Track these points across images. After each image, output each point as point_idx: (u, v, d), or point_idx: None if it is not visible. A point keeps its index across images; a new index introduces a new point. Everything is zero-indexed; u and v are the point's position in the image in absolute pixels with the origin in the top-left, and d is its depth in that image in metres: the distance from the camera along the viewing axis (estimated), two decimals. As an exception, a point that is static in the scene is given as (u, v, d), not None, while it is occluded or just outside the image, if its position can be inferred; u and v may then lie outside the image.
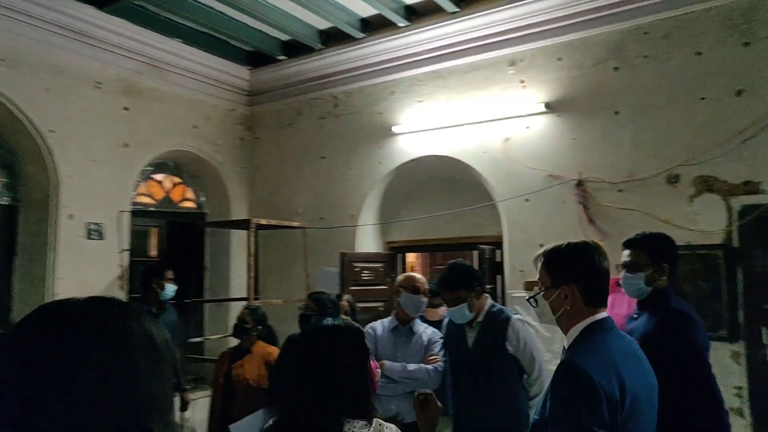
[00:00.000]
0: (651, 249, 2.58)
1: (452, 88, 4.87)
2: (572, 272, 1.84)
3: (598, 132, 4.20)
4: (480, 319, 3.00)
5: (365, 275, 5.19)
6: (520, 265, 4.40)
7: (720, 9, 3.82)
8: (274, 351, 3.69)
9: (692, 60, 3.89)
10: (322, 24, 5.20)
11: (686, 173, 3.85)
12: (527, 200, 4.43)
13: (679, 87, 3.92)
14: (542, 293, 1.91)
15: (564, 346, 1.93)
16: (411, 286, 3.15)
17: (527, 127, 4.49)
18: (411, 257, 5.94)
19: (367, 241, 5.40)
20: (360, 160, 5.36)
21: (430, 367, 3.03)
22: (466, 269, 3.10)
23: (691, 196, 3.83)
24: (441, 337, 3.21)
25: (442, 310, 3.98)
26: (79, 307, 0.77)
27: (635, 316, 2.62)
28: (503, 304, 4.42)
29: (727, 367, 3.63)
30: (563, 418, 1.64)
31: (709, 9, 3.85)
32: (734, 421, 3.52)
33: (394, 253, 5.50)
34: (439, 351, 3.15)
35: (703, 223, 3.76)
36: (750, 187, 3.65)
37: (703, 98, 3.84)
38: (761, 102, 3.64)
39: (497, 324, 2.99)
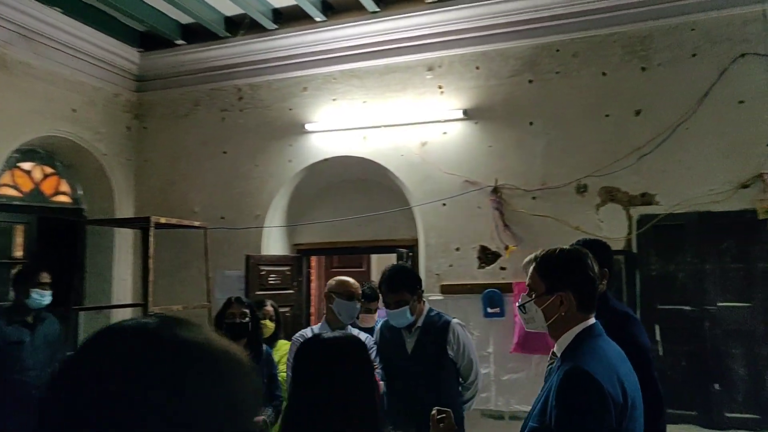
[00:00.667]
0: (593, 255, 2.70)
1: (369, 89, 4.80)
2: (568, 279, 1.86)
3: (514, 141, 4.38)
4: (419, 324, 2.96)
5: (272, 279, 4.93)
6: (436, 268, 4.45)
7: (621, 35, 4.17)
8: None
9: (598, 79, 4.21)
10: (231, 9, 4.86)
11: (593, 184, 4.15)
12: (444, 204, 4.49)
13: (587, 103, 4.22)
14: (534, 300, 1.91)
15: (553, 352, 1.94)
16: (345, 292, 2.99)
17: (444, 133, 4.56)
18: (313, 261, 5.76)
19: (273, 243, 5.14)
20: (267, 157, 5.08)
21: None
22: (409, 271, 3.06)
23: (597, 206, 4.14)
24: (375, 343, 3.13)
25: (375, 317, 3.90)
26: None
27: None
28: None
29: (626, 362, 3.96)
30: (574, 425, 1.64)
31: (612, 34, 4.19)
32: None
33: (301, 256, 5.29)
34: (375, 357, 3.05)
35: (608, 230, 4.07)
36: (646, 199, 4.03)
37: (607, 115, 4.16)
38: (657, 122, 4.03)
39: (437, 328, 2.97)
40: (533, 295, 1.92)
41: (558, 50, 4.32)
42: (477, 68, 4.52)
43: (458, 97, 4.54)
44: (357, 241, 5.12)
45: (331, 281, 3.13)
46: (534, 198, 4.27)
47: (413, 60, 4.68)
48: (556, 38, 4.31)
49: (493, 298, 4.23)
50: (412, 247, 4.89)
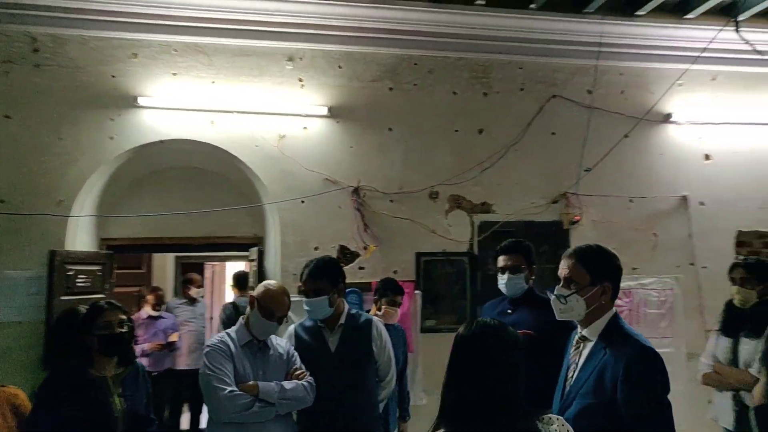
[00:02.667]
0: (525, 254, 3.04)
1: (219, 69, 4.33)
2: (609, 271, 2.10)
3: (374, 144, 4.50)
4: (342, 321, 2.87)
5: (81, 281, 3.99)
6: (293, 268, 4.24)
7: (468, 61, 4.71)
8: (19, 392, 2.60)
9: (450, 97, 4.65)
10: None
11: (443, 191, 4.55)
12: (303, 202, 4.33)
13: (440, 117, 4.61)
14: (577, 291, 2.10)
15: (583, 336, 2.15)
16: (266, 307, 2.69)
17: (305, 128, 4.41)
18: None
19: (82, 236, 4.16)
20: (78, 129, 4.11)
21: (305, 383, 2.69)
22: (335, 263, 2.93)
23: (446, 211, 4.55)
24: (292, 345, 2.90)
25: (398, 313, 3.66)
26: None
27: (509, 311, 3.02)
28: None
29: (468, 352, 4.45)
30: (655, 397, 1.88)
31: (461, 59, 4.70)
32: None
33: (113, 253, 4.39)
34: (296, 360, 2.82)
35: (455, 234, 4.52)
36: (485, 207, 4.61)
37: (456, 130, 4.63)
38: (494, 141, 4.65)
39: (360, 326, 2.92)
40: (574, 287, 2.11)
41: (416, 64, 4.62)
42: (340, 67, 4.50)
43: (320, 93, 4.45)
44: (188, 238, 4.51)
45: (263, 287, 2.76)
46: (392, 201, 4.46)
47: (272, 46, 4.40)
48: (415, 52, 4.61)
49: (353, 297, 4.25)
50: (255, 244, 4.56)
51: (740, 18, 4.81)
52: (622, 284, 4.96)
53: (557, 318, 2.20)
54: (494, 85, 4.73)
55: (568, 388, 2.14)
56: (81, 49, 4.18)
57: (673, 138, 4.92)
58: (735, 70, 5.02)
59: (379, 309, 3.61)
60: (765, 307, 2.91)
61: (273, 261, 4.36)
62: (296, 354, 2.82)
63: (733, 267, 3.03)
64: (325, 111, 4.39)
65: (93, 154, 4.11)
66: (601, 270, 2.10)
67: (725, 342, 3.07)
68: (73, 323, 2.61)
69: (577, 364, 2.15)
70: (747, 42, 4.91)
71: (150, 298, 5.52)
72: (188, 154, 4.43)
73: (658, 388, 1.90)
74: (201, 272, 8.59)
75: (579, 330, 2.19)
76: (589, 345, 2.11)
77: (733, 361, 2.99)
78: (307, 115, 4.40)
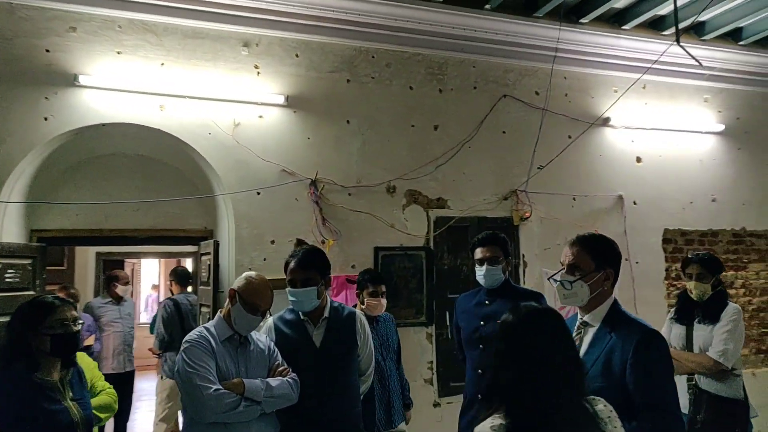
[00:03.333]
0: (502, 246, 3.09)
1: (169, 51, 4.05)
2: (611, 258, 2.18)
3: (332, 136, 4.40)
4: (326, 315, 2.79)
5: (9, 276, 3.59)
6: (249, 262, 4.06)
7: (424, 57, 4.74)
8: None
9: (406, 92, 4.65)
10: None
11: (401, 186, 4.53)
12: (258, 194, 4.15)
13: (397, 112, 4.60)
14: (581, 277, 2.15)
15: (585, 321, 2.21)
16: (250, 302, 2.55)
17: (261, 117, 4.23)
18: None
19: (8, 227, 3.73)
20: (6, 108, 3.69)
21: (289, 380, 2.58)
22: (322, 253, 2.84)
23: (404, 206, 4.54)
24: (271, 340, 2.77)
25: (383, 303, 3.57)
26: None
27: (486, 302, 3.05)
28: (216, 305, 3.98)
29: (424, 346, 4.47)
30: (666, 378, 1.96)
31: (417, 54, 4.71)
32: (425, 389, 4.39)
33: (45, 246, 3.97)
34: (277, 356, 2.70)
35: (412, 228, 4.52)
36: (441, 203, 4.65)
37: (413, 125, 4.64)
38: (449, 138, 4.71)
39: (344, 320, 2.85)
40: (578, 273, 2.16)
41: (374, 57, 4.58)
42: (297, 56, 4.37)
43: (276, 82, 4.29)
44: (131, 230, 4.18)
45: (244, 280, 2.60)
46: (350, 194, 4.39)
47: (226, 30, 4.19)
48: (372, 45, 4.56)
49: (312, 292, 4.13)
50: (205, 237, 4.31)
51: (666, 32, 5.20)
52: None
53: (561, 303, 2.25)
54: (449, 83, 4.79)
55: (576, 373, 2.18)
56: (9, 18, 3.76)
57: (611, 141, 5.22)
58: (662, 81, 5.41)
59: (362, 302, 3.53)
60: (716, 297, 3.14)
61: (227, 255, 4.14)
62: (276, 349, 2.69)
63: (688, 263, 3.25)
64: (281, 100, 4.24)
65: (24, 135, 3.71)
66: (604, 256, 2.17)
67: (679, 329, 3.28)
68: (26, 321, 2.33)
69: (579, 349, 2.21)
70: (694, 55, 5.31)
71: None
72: (133, 140, 4.11)
73: (667, 368, 1.99)
74: (122, 269, 8.05)
75: (580, 316, 2.25)
76: (591, 330, 2.16)
77: (687, 347, 3.21)
78: (263, 104, 4.22)
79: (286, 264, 2.74)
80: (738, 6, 4.87)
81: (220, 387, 2.36)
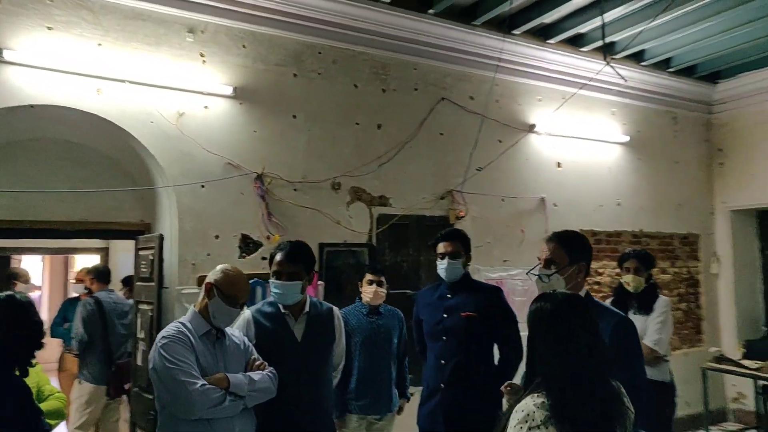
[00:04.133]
0: (463, 241, 3.23)
1: (108, 31, 3.78)
2: (584, 252, 2.38)
3: (278, 130, 4.33)
4: (307, 309, 2.81)
5: None
6: (192, 258, 3.90)
7: (368, 56, 4.79)
8: None
9: (352, 89, 4.68)
10: None
11: (345, 183, 4.56)
12: (203, 186, 4.00)
13: (342, 109, 4.62)
14: (557, 271, 2.33)
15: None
16: (230, 294, 2.50)
17: (206, 107, 4.07)
18: None
19: None
20: None
21: (269, 374, 2.56)
22: (309, 248, 2.84)
23: (348, 203, 4.57)
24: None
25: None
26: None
27: (448, 295, 3.18)
28: (160, 301, 3.80)
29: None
30: (639, 356, 2.18)
31: (362, 53, 4.76)
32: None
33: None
34: (251, 350, 2.66)
35: (356, 225, 4.56)
36: (383, 201, 4.74)
37: (357, 123, 4.68)
38: (392, 137, 4.81)
39: (323, 315, 2.90)
40: (555, 267, 2.34)
41: (320, 53, 4.56)
42: (244, 47, 4.25)
43: (223, 72, 4.15)
44: (59, 222, 3.84)
45: (220, 272, 2.54)
46: (296, 190, 4.34)
47: (171, 14, 3.99)
48: (319, 41, 4.55)
49: (258, 288, 4.05)
50: (141, 231, 4.07)
51: (585, 49, 5.67)
52: (495, 275, 5.46)
53: (540, 295, 2.42)
54: (392, 83, 4.88)
55: (550, 359, 2.36)
56: None
57: (535, 146, 5.58)
58: (579, 93, 5.86)
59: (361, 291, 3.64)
60: (649, 289, 3.51)
61: (169, 249, 3.94)
62: (251, 344, 2.65)
63: (626, 258, 3.59)
64: (229, 91, 4.11)
65: (-63, 114, 3.31)
66: (578, 251, 2.37)
67: (614, 319, 3.62)
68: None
69: (557, 337, 2.39)
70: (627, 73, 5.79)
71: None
72: (64, 125, 3.79)
73: (639, 350, 2.23)
74: (6, 266, 7.35)
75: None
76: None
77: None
78: (209, 94, 4.07)
79: (272, 256, 2.73)
80: (644, 30, 5.39)
81: (206, 382, 2.29)
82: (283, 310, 2.74)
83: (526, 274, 2.72)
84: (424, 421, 3.19)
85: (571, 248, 2.38)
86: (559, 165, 5.73)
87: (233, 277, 2.52)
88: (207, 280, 2.54)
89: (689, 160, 6.71)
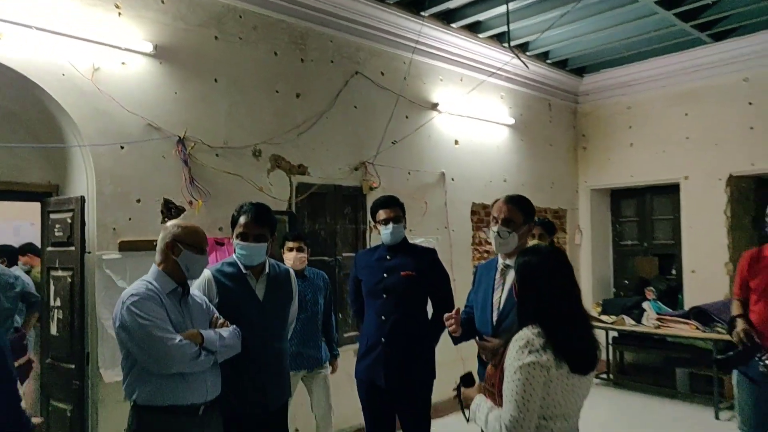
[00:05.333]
0: (401, 207, 3.45)
1: (12, -30, 3.41)
2: (533, 214, 2.73)
3: (200, 94, 4.20)
4: (267, 270, 2.89)
5: None
6: (112, 222, 3.70)
7: (287, 25, 4.79)
8: None
9: (272, 57, 4.66)
10: None
11: (266, 150, 4.55)
12: (122, 148, 3.78)
13: (262, 75, 4.58)
14: (514, 229, 2.65)
15: (507, 265, 2.71)
16: (195, 243, 2.51)
17: (123, 63, 3.83)
18: None
19: None
20: None
21: (235, 331, 2.61)
22: (272, 212, 2.89)
23: (269, 170, 4.57)
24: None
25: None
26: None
27: (388, 257, 3.38)
28: (83, 267, 3.59)
29: (286, 307, 4.59)
30: None
31: (282, 21, 4.74)
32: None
33: None
34: (213, 310, 2.70)
35: (276, 193, 4.59)
36: (302, 170, 4.80)
37: (277, 91, 4.67)
38: (310, 107, 4.87)
39: (281, 275, 3.00)
40: (512, 226, 2.66)
41: (241, 17, 4.47)
42: (163, 2, 4.05)
43: (140, 27, 3.92)
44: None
45: (176, 227, 2.53)
46: (218, 155, 4.26)
47: (83, -42, 3.68)
48: (239, 4, 4.45)
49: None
50: (49, 194, 3.75)
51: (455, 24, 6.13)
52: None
53: (495, 251, 2.74)
54: (310, 53, 4.93)
55: (501, 306, 2.68)
56: None
57: (437, 124, 5.96)
58: (474, 76, 6.34)
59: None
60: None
61: (85, 213, 3.68)
62: (210, 304, 2.67)
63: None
64: (149, 48, 3.90)
65: None
66: (529, 213, 2.72)
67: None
68: None
69: (503, 288, 2.72)
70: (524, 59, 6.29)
71: None
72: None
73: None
74: None
75: (501, 261, 2.75)
76: (512, 272, 2.69)
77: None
78: (126, 49, 3.83)
79: (235, 218, 2.74)
80: (530, 24, 5.95)
81: (182, 338, 2.30)
82: (244, 271, 2.78)
83: (483, 230, 3.01)
84: (363, 373, 3.37)
85: (524, 210, 2.70)
86: (456, 142, 6.17)
87: (191, 228, 2.55)
88: (164, 240, 2.50)
89: (560, 144, 7.56)
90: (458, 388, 2.16)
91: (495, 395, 1.92)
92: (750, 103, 6.33)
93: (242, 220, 2.73)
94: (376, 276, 3.37)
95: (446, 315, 2.77)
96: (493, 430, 1.86)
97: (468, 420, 2.12)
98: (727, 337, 4.60)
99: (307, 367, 3.88)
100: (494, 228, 2.71)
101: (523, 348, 1.82)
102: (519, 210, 2.71)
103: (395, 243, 3.40)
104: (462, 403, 2.13)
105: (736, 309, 3.54)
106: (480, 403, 1.98)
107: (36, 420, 2.16)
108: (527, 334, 1.85)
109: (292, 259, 3.87)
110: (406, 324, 3.30)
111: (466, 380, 2.18)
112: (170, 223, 2.57)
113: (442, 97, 5.95)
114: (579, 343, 1.87)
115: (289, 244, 3.91)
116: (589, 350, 1.90)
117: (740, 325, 3.35)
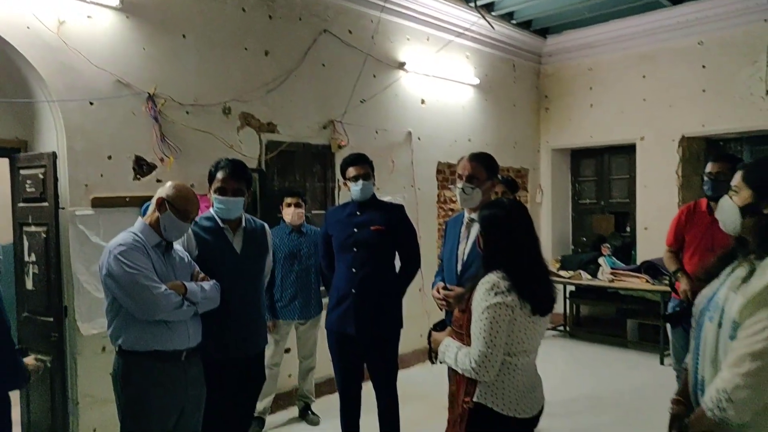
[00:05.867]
0: (370, 164, 3.58)
1: None
2: (496, 170, 2.90)
3: (169, 50, 4.18)
4: (244, 224, 3.02)
5: None
6: (84, 179, 3.72)
7: (255, -20, 4.76)
8: None
9: (240, 13, 4.63)
10: None
11: (236, 108, 4.58)
12: (92, 104, 3.77)
13: (231, 32, 4.56)
14: (477, 185, 2.82)
15: (472, 218, 2.89)
16: (182, 209, 2.61)
17: (89, 17, 3.78)
18: None
19: None
20: None
21: (215, 285, 2.74)
22: (246, 167, 3.00)
23: (238, 128, 4.61)
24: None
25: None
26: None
27: (358, 213, 3.53)
28: (57, 222, 3.62)
29: (258, 262, 4.72)
30: None
31: (249, -24, 4.71)
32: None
33: None
34: (190, 262, 2.82)
35: (246, 150, 4.64)
36: (271, 128, 4.85)
37: (246, 48, 4.67)
38: (279, 65, 4.89)
39: (257, 229, 3.12)
40: (475, 182, 2.83)
41: (208, -29, 4.43)
42: (127, -47, 3.97)
43: (105, -20, 3.86)
44: None
45: (172, 188, 2.62)
46: (188, 113, 4.28)
47: None
48: (207, -42, 4.40)
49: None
50: (18, 150, 3.73)
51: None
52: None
53: (460, 206, 2.91)
54: (278, 10, 4.91)
55: (465, 257, 2.87)
56: None
57: (404, 83, 6.04)
58: (441, 36, 6.40)
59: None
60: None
61: (57, 170, 3.69)
62: (191, 259, 2.79)
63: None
64: (114, 1, 3.84)
65: None
66: (492, 169, 2.88)
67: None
68: None
69: (467, 240, 2.90)
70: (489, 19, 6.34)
71: None
72: None
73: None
74: None
75: (467, 215, 2.93)
76: (476, 225, 2.87)
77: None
78: (91, 2, 3.78)
79: (212, 173, 2.84)
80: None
81: (167, 287, 2.42)
82: (221, 225, 2.89)
83: (449, 187, 3.17)
84: (334, 324, 3.55)
85: (487, 167, 2.87)
86: (423, 102, 6.28)
87: (185, 193, 2.62)
88: (158, 195, 2.60)
89: (524, 104, 7.74)
90: (429, 334, 2.34)
91: (463, 336, 2.10)
92: (703, 66, 6.59)
93: (220, 175, 2.83)
94: (347, 231, 3.52)
95: (433, 293, 2.95)
96: (463, 366, 2.05)
97: (433, 362, 2.31)
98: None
99: (301, 317, 4.18)
100: (459, 185, 2.87)
101: (489, 290, 2.00)
102: (482, 166, 2.88)
103: (365, 199, 3.54)
104: (430, 346, 2.31)
105: (672, 262, 3.85)
106: (449, 343, 2.16)
107: (30, 361, 2.24)
108: (493, 278, 2.03)
109: (290, 214, 4.19)
110: (376, 276, 3.47)
111: (438, 326, 2.37)
112: (170, 182, 2.66)
113: (409, 56, 6.02)
114: (539, 287, 2.07)
115: (288, 200, 4.25)
116: (547, 294, 2.10)
117: (685, 283, 3.63)
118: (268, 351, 4.32)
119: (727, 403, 1.56)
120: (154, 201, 2.59)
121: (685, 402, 1.82)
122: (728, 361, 1.58)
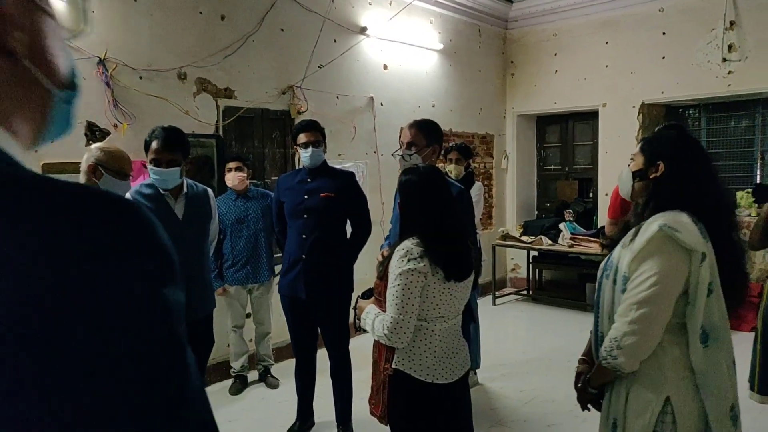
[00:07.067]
0: (321, 131, 3.62)
1: None
2: (438, 137, 2.96)
3: (119, 13, 4.12)
4: (185, 191, 3.06)
5: None
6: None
7: (209, -59, 4.67)
8: None
9: (195, -24, 4.56)
10: None
11: (191, 73, 4.55)
12: (39, 69, 3.72)
13: (184, -5, 4.51)
14: (417, 152, 2.89)
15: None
16: (117, 168, 2.65)
17: (34, -21, 3.70)
18: None
19: None
20: None
21: None
22: (183, 133, 3.02)
23: (194, 94, 4.59)
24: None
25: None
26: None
27: (308, 180, 3.58)
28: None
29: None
30: (473, 219, 2.86)
31: (203, -63, 4.61)
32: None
33: None
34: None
35: (203, 117, 4.64)
36: (229, 93, 4.84)
37: (201, 12, 4.62)
38: (235, 29, 4.84)
39: (200, 195, 3.17)
40: (414, 149, 2.90)
41: (159, -68, 4.33)
42: None
43: (50, -60, 3.76)
44: None
45: (99, 150, 2.64)
46: (141, 78, 4.25)
47: None
48: None
49: (107, 178, 4.01)
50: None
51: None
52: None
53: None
54: (233, -27, 4.84)
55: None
56: None
57: (366, 48, 6.03)
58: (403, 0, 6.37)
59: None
60: (468, 176, 4.31)
61: (4, 136, 3.66)
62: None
63: (450, 150, 4.32)
64: (59, -37, 3.77)
65: None
66: (433, 136, 2.95)
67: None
68: None
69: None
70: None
71: None
72: None
73: (473, 216, 2.93)
74: None
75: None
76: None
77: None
78: (35, -36, 3.69)
79: (147, 143, 2.85)
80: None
81: None
82: (162, 192, 2.93)
83: (392, 155, 3.23)
84: (286, 288, 3.63)
85: (427, 133, 2.93)
86: (385, 67, 6.27)
87: (115, 152, 2.65)
88: (86, 162, 2.61)
89: (489, 70, 7.77)
90: (356, 301, 2.42)
91: (382, 303, 2.18)
92: (663, 33, 6.67)
93: (154, 145, 2.85)
94: (298, 197, 3.58)
95: (377, 257, 3.03)
96: (377, 332, 2.12)
97: (357, 329, 2.39)
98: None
99: (253, 281, 4.30)
100: (399, 151, 2.94)
101: (403, 257, 2.08)
102: (422, 133, 2.94)
103: (315, 166, 3.59)
104: (356, 313, 2.39)
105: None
106: (369, 311, 2.23)
107: None
108: (407, 244, 2.11)
109: (232, 179, 4.25)
110: (326, 242, 3.55)
111: (366, 294, 2.44)
112: (94, 146, 2.67)
113: (370, 20, 5.99)
114: (452, 253, 2.13)
115: (229, 164, 4.31)
116: (462, 260, 2.16)
117: None
118: (226, 315, 4.43)
119: (617, 351, 1.69)
120: (84, 169, 2.60)
121: (589, 361, 1.95)
122: (618, 311, 1.71)
